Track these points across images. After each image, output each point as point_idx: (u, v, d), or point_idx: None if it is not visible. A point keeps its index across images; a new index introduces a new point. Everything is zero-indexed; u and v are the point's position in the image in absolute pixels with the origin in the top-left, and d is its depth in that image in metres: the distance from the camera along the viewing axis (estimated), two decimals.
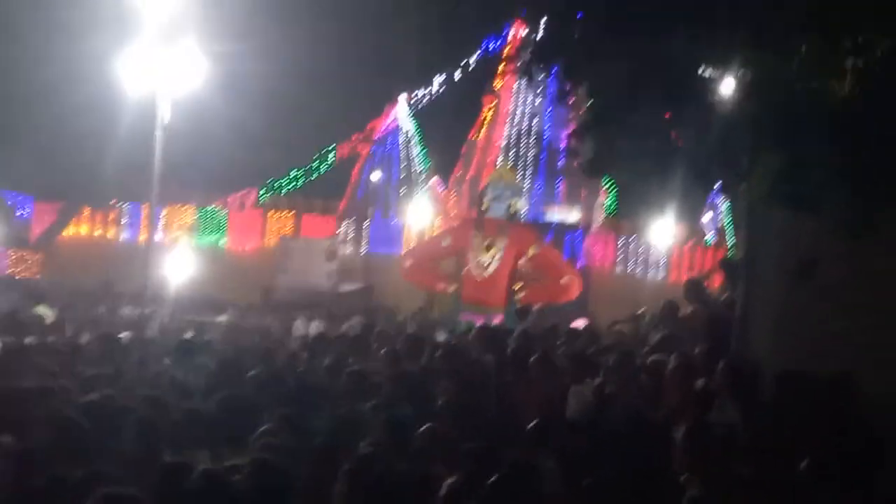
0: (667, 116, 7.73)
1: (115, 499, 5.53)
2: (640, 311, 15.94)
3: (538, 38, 8.51)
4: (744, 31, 6.94)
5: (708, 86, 7.53)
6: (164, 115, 23.74)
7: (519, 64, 9.01)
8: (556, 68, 8.35)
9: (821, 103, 6.63)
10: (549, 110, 39.72)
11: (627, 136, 8.03)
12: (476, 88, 48.49)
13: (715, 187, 9.87)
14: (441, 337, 16.60)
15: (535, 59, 8.42)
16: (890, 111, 6.43)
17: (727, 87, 7.45)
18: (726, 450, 6.54)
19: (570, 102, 9.06)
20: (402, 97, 51.42)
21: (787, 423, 7.63)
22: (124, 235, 46.71)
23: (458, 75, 49.94)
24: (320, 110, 48.94)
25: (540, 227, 37.04)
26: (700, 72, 7.57)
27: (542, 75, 8.50)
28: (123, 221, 46.85)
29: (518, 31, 42.03)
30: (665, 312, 12.88)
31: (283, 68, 41.33)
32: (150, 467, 6.91)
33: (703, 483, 6.28)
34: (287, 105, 45.57)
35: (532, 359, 10.63)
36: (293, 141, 48.10)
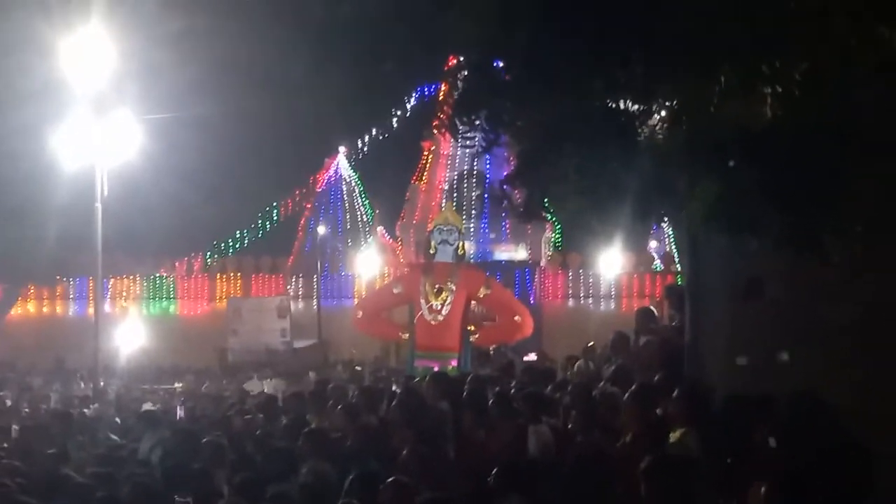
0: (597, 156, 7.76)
1: None
2: (589, 344, 15.92)
3: (459, 92, 8.53)
4: (659, 67, 7.01)
5: (634, 120, 7.58)
6: (103, 186, 23.57)
7: (442, 119, 9.04)
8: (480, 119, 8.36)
9: (746, 128, 6.70)
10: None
11: (559, 180, 8.06)
12: (414, 134, 48.71)
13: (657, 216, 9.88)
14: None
15: (457, 113, 8.44)
16: (813, 132, 6.51)
17: (654, 119, 7.51)
18: (686, 479, 6.52)
19: (507, 142, 9.13)
20: (342, 149, 51.56)
21: (747, 447, 7.64)
22: (73, 310, 46.36)
23: (395, 123, 50.16)
24: (261, 169, 48.92)
25: (489, 267, 37.15)
26: (624, 108, 7.63)
27: (466, 129, 8.50)
28: (71, 296, 46.50)
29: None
30: (616, 344, 12.89)
31: (220, 132, 41.23)
32: None
33: None
34: (227, 167, 45.48)
35: (490, 402, 10.61)
36: (236, 202, 48.00)
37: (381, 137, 50.51)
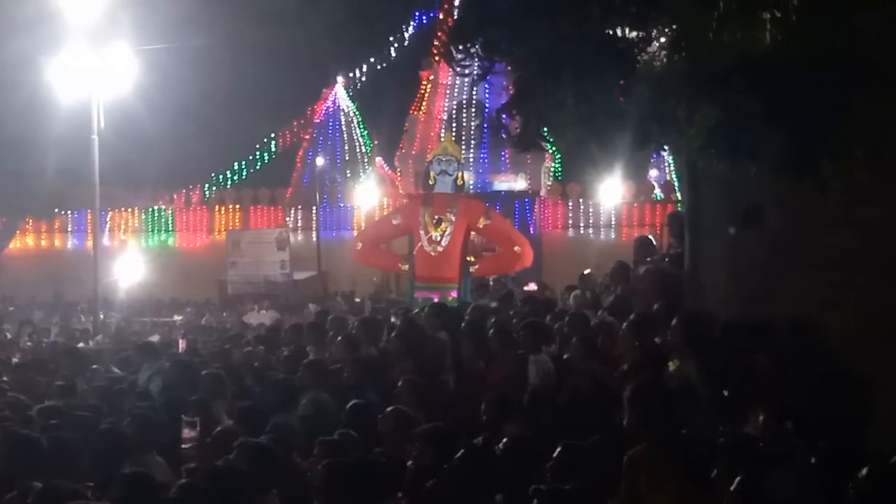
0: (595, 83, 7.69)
1: None
2: (585, 272, 15.77)
3: (455, 20, 8.48)
4: None
5: (633, 47, 7.50)
6: (99, 119, 23.41)
7: (439, 47, 9.01)
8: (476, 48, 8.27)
9: (745, 54, 6.63)
10: (486, 80, 39.65)
11: (558, 108, 7.98)
12: (413, 64, 48.35)
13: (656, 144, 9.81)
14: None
15: (453, 41, 8.36)
16: (813, 58, 6.44)
17: (653, 45, 7.44)
18: (669, 406, 6.51)
19: (505, 70, 9.12)
20: (340, 79, 51.20)
21: (746, 374, 7.63)
22: (71, 243, 46.32)
23: (393, 52, 49.77)
24: (258, 100, 48.57)
25: (488, 197, 37.03)
26: (622, 35, 7.55)
27: (462, 57, 8.42)
28: (69, 229, 46.42)
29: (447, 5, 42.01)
30: (616, 273, 12.86)
31: (216, 63, 40.83)
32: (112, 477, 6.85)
33: (650, 441, 6.28)
34: (224, 98, 45.13)
35: (489, 332, 10.62)
36: (234, 133, 47.71)
37: (378, 67, 50.09)
